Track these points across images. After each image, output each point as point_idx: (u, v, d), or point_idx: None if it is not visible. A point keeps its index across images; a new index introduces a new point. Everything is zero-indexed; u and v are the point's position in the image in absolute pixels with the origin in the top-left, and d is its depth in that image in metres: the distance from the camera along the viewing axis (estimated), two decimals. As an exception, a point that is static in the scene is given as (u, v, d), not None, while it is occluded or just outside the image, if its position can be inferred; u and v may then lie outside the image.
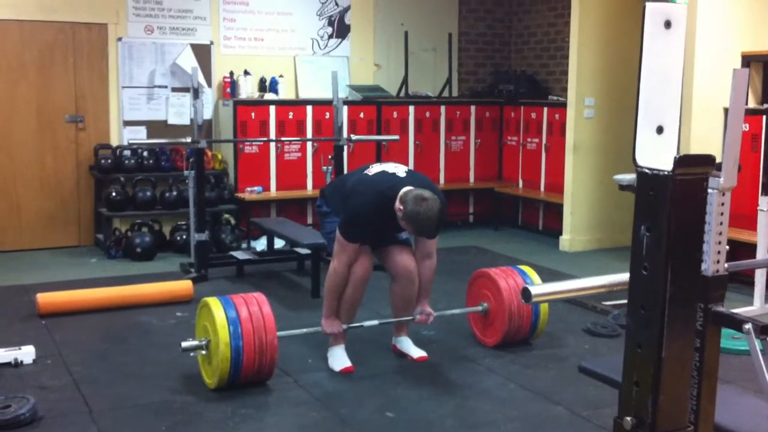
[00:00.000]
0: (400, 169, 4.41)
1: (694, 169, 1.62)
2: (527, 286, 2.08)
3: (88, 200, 7.87)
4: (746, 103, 5.74)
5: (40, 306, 5.45)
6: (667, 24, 1.61)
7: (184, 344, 4.17)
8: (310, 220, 8.11)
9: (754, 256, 5.59)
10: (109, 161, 7.67)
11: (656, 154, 1.62)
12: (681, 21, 1.63)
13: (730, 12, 6.47)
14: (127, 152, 7.77)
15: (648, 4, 1.61)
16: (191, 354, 4.22)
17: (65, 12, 7.60)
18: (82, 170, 7.83)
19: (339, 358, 4.50)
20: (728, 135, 2.03)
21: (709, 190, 1.81)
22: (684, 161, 1.58)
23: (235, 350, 4.01)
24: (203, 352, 4.17)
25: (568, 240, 7.93)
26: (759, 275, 5.64)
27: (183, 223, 7.51)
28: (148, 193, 7.63)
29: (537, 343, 4.97)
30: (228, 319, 4.03)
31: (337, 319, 4.47)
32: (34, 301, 5.51)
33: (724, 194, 1.92)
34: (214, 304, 4.13)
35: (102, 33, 7.80)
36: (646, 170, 1.63)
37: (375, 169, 4.47)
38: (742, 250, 5.81)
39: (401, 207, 4.13)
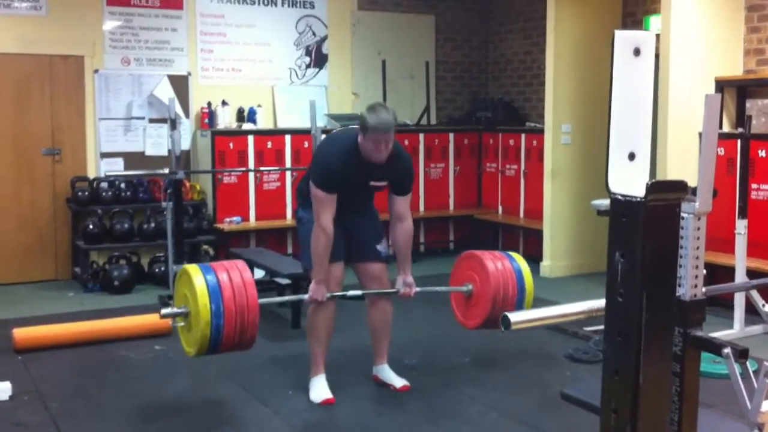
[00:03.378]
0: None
1: (667, 194, 1.62)
2: (506, 313, 2.07)
3: (65, 233, 7.80)
4: (720, 128, 5.78)
5: (16, 341, 5.38)
6: (636, 51, 1.63)
7: (164, 311, 4.03)
8: (290, 250, 8.08)
9: (732, 279, 5.61)
10: (86, 193, 7.62)
11: (629, 180, 1.63)
12: (650, 48, 1.64)
13: (703, 37, 6.55)
14: (104, 184, 7.72)
15: (617, 33, 1.63)
16: (171, 322, 4.07)
17: (42, 44, 7.58)
18: (59, 203, 7.77)
19: (320, 390, 4.46)
20: (702, 160, 2.04)
21: (685, 215, 1.82)
22: (656, 187, 1.58)
23: (215, 318, 3.82)
24: (182, 323, 3.99)
25: (548, 266, 7.94)
26: (738, 298, 5.66)
27: (161, 254, 7.45)
28: (126, 225, 7.58)
29: (519, 369, 4.95)
30: (208, 284, 3.85)
31: (325, 285, 4.36)
32: (11, 336, 5.44)
33: (699, 219, 1.92)
34: (194, 270, 3.94)
35: (79, 65, 7.78)
36: (619, 197, 1.63)
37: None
38: (720, 273, 5.84)
39: (359, 123, 4.29)
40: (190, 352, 4.01)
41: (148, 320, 5.79)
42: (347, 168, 4.32)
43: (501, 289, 4.58)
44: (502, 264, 4.65)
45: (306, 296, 4.40)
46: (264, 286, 6.98)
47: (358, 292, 4.54)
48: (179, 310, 3.99)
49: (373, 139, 4.24)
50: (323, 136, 5.15)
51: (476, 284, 4.69)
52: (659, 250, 1.63)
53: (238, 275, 3.94)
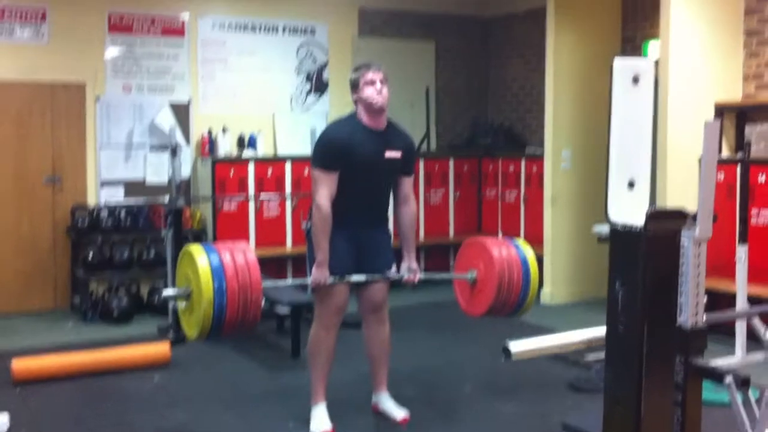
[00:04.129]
0: None
1: (666, 223, 1.61)
2: (507, 344, 2.05)
3: (64, 262, 7.78)
4: (720, 153, 5.77)
5: (15, 372, 5.33)
6: (635, 80, 1.63)
7: (166, 292, 3.94)
8: (290, 279, 8.06)
9: (733, 305, 5.57)
10: (86, 222, 7.61)
11: (628, 208, 1.62)
12: (649, 76, 1.64)
13: (702, 62, 6.56)
14: (104, 213, 7.71)
15: (616, 61, 1.63)
16: (172, 303, 3.96)
17: (43, 72, 7.61)
18: (58, 231, 7.76)
19: (320, 421, 4.40)
20: (702, 187, 2.03)
21: (685, 242, 1.80)
22: (656, 216, 1.57)
23: (218, 298, 3.71)
24: (183, 304, 3.89)
25: (549, 293, 7.91)
26: (739, 325, 5.62)
27: (161, 283, 7.43)
28: (126, 254, 7.56)
29: (520, 398, 4.91)
30: (211, 265, 3.74)
31: (326, 267, 4.22)
32: (9, 367, 5.40)
33: (700, 245, 1.91)
34: (196, 250, 3.84)
35: (80, 93, 7.80)
36: (619, 226, 1.62)
37: None
38: (721, 300, 5.81)
39: (350, 86, 4.34)
40: (191, 335, 3.89)
41: (148, 350, 5.76)
42: (353, 137, 4.22)
43: (506, 275, 4.41)
44: (507, 250, 4.50)
45: (309, 280, 4.27)
46: (263, 315, 6.95)
47: (362, 277, 4.34)
48: (181, 290, 3.88)
49: (367, 81, 4.23)
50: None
51: (480, 271, 4.52)
52: (659, 279, 1.61)
53: (241, 255, 3.84)
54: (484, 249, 4.51)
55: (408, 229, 4.46)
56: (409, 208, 4.46)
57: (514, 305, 4.53)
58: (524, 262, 4.50)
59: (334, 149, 4.21)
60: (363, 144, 4.24)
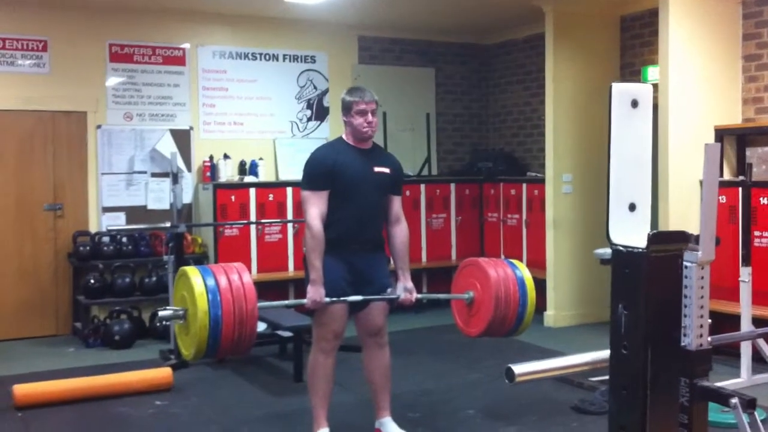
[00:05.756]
0: None
1: (668, 245, 1.61)
2: (510, 366, 2.04)
3: (65, 288, 7.77)
4: (721, 176, 5.78)
5: (16, 398, 5.32)
6: (634, 103, 1.63)
7: (161, 313, 3.92)
8: (287, 301, 8.02)
9: (738, 327, 5.56)
10: (88, 248, 7.61)
11: (630, 231, 1.62)
12: (647, 100, 1.65)
13: (701, 87, 6.59)
14: (105, 239, 7.71)
15: (614, 85, 1.63)
16: (168, 323, 3.96)
17: (45, 101, 7.65)
18: (60, 258, 7.76)
19: (323, 445, 4.39)
20: (703, 209, 2.03)
21: (688, 264, 1.80)
22: (658, 238, 1.57)
23: (213, 318, 3.70)
24: (180, 321, 3.88)
25: (552, 316, 7.89)
26: (744, 347, 5.60)
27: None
28: (127, 280, 7.56)
29: (525, 421, 4.88)
30: (207, 286, 3.75)
31: (321, 286, 4.20)
32: (11, 392, 5.38)
33: (703, 268, 1.91)
34: (192, 272, 3.84)
35: (81, 121, 7.84)
36: (621, 248, 1.62)
37: None
38: (726, 322, 5.79)
39: (341, 108, 4.35)
40: (187, 354, 3.89)
41: (149, 375, 5.74)
42: (340, 156, 4.27)
43: (503, 296, 4.41)
44: (504, 271, 4.51)
45: (306, 300, 4.23)
46: (266, 340, 6.94)
47: (358, 297, 4.29)
48: (176, 310, 3.88)
49: (359, 111, 4.28)
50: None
51: (477, 291, 4.52)
52: (663, 302, 1.61)
53: (236, 275, 3.85)
54: (480, 269, 4.52)
55: (401, 249, 4.45)
56: (400, 228, 4.46)
57: (512, 324, 4.51)
58: (521, 282, 4.50)
59: (322, 168, 4.25)
60: (351, 162, 4.29)
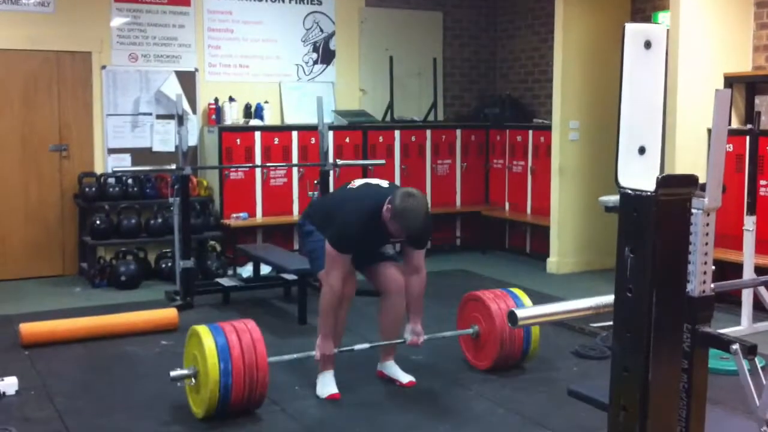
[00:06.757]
0: (382, 182, 4.60)
1: (677, 189, 1.60)
2: (513, 309, 2.06)
3: (72, 229, 7.81)
4: (729, 124, 5.76)
5: (23, 336, 5.38)
6: (647, 44, 1.61)
7: (173, 373, 4.12)
8: (296, 246, 8.08)
9: (741, 276, 5.59)
10: (94, 189, 7.62)
11: (639, 174, 1.61)
12: (661, 42, 1.62)
13: (712, 33, 6.51)
14: (111, 180, 7.72)
15: (628, 26, 1.61)
16: (179, 384, 4.16)
17: (49, 41, 7.59)
18: (66, 199, 7.78)
19: (327, 385, 4.45)
20: (711, 156, 2.02)
21: (694, 211, 1.80)
22: (667, 181, 1.56)
23: (224, 380, 3.94)
24: (192, 382, 4.10)
25: (555, 262, 7.92)
26: (746, 295, 5.64)
27: (168, 250, 7.45)
28: (133, 221, 7.58)
29: (527, 366, 4.93)
30: (218, 348, 3.96)
31: (333, 339, 4.43)
32: (18, 331, 5.44)
33: (708, 215, 1.91)
34: (204, 332, 4.05)
35: (86, 62, 7.78)
36: (629, 191, 1.61)
37: (358, 182, 4.63)
38: (729, 270, 5.82)
39: (389, 206, 4.21)
40: (198, 413, 4.10)
41: (155, 315, 5.80)
42: (367, 234, 4.35)
43: (507, 329, 4.65)
44: (505, 303, 4.76)
45: (314, 353, 4.43)
46: (271, 282, 7.00)
47: (365, 345, 4.62)
48: (188, 371, 4.09)
49: (395, 228, 4.25)
50: (346, 189, 4.73)
51: (482, 325, 4.82)
52: (670, 246, 1.61)
53: (247, 335, 4.07)
54: (483, 304, 4.79)
55: (417, 296, 4.57)
56: (419, 279, 4.55)
57: (520, 353, 4.83)
58: None
59: (350, 241, 4.34)
60: (375, 236, 4.41)
